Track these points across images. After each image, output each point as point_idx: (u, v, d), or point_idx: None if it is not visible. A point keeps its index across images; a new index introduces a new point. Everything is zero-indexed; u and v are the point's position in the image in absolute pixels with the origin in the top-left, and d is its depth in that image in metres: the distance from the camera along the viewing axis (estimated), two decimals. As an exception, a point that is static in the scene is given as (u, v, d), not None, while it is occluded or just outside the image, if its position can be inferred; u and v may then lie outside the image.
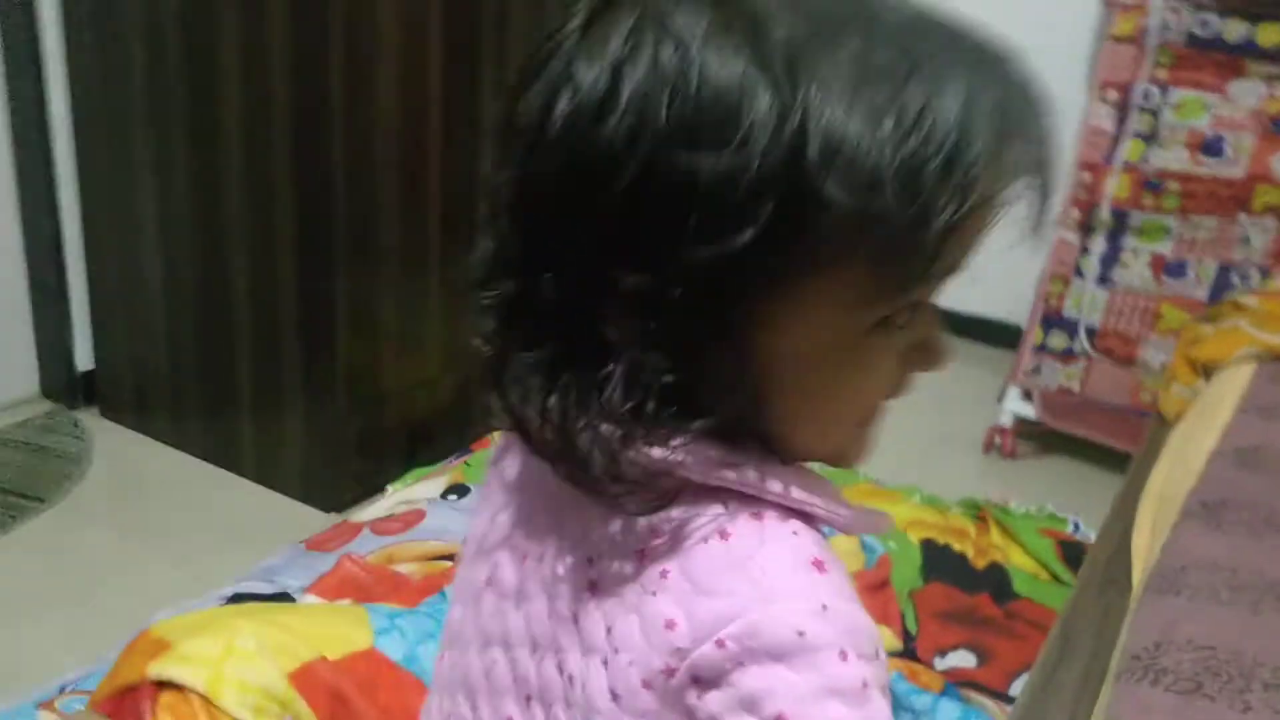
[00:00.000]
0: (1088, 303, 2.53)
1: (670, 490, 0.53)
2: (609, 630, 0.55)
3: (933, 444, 2.65)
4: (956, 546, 1.98)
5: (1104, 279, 2.51)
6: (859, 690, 0.50)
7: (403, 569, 1.65)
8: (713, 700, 0.50)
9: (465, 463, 1.99)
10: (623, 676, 0.53)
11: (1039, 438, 2.68)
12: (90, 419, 2.36)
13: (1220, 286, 2.38)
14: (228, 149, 2.01)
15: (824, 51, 0.47)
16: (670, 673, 0.52)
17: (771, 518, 0.54)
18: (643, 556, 0.54)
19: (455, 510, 1.85)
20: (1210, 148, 2.38)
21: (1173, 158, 2.40)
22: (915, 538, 2.02)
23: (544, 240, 0.52)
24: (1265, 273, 2.38)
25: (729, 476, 0.53)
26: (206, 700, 1.10)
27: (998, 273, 2.66)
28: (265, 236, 2.03)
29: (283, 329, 2.08)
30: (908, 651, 1.70)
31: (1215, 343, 1.59)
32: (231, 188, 2.03)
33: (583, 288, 0.50)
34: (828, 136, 0.46)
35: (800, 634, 0.49)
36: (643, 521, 0.54)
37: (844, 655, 0.50)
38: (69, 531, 1.99)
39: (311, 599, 1.47)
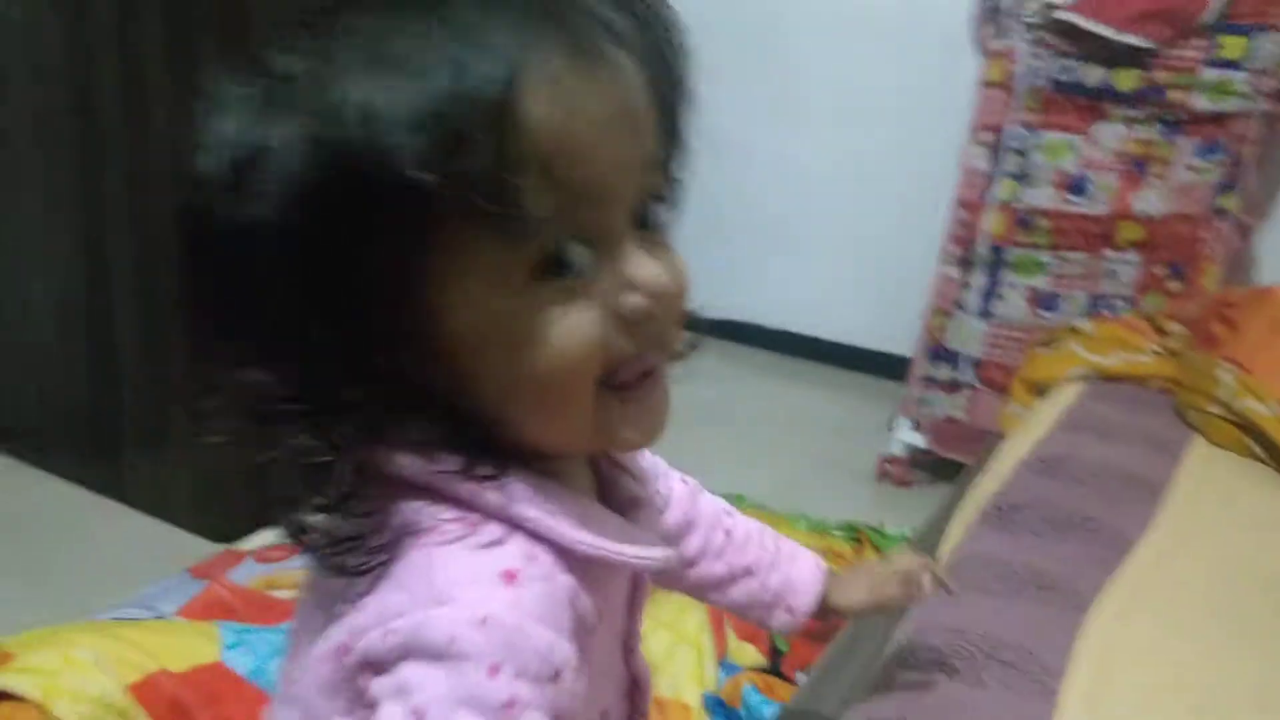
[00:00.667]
0: (969, 335, 2.63)
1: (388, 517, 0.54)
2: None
3: (827, 473, 2.73)
4: (834, 568, 2.05)
5: (984, 312, 2.62)
6: (501, 707, 0.49)
7: (282, 594, 1.69)
8: (376, 684, 0.52)
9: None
10: (319, 649, 0.55)
11: (929, 467, 2.77)
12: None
13: (1091, 318, 2.50)
14: (114, 180, 2.06)
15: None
16: (346, 651, 0.53)
17: (480, 527, 0.53)
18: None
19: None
20: (1076, 187, 2.50)
21: (1043, 196, 2.52)
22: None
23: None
24: (1132, 303, 2.50)
25: (440, 484, 0.54)
26: (42, 710, 1.14)
27: (886, 307, 2.76)
28: (148, 259, 2.07)
29: (169, 367, 2.10)
30: (773, 669, 1.76)
31: (1048, 364, 1.69)
32: (114, 219, 2.08)
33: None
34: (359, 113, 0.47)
35: (451, 640, 0.50)
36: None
37: (494, 670, 0.50)
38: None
39: (180, 621, 1.51)
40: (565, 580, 0.54)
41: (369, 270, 0.50)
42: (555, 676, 0.51)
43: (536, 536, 0.54)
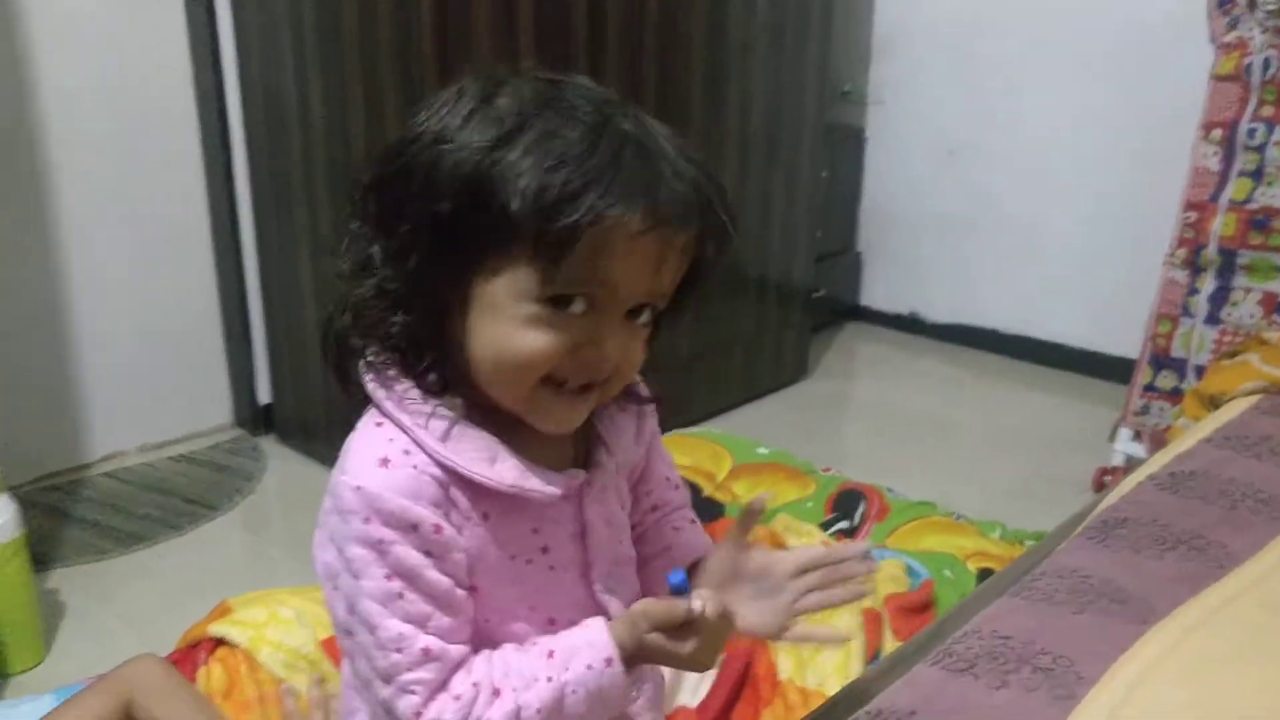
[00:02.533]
0: (1196, 342, 2.48)
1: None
2: None
3: (1042, 482, 2.66)
4: (1007, 575, 2.03)
5: (1213, 318, 2.46)
6: (377, 542, 0.74)
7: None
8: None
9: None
10: None
11: (1153, 479, 2.63)
12: (268, 444, 2.80)
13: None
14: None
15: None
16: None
17: (383, 426, 0.78)
18: None
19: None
20: (1316, 182, 2.31)
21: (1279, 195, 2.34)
22: (974, 567, 2.09)
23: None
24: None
25: (376, 394, 0.78)
26: (248, 655, 1.39)
27: (1114, 309, 2.74)
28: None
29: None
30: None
31: (1223, 377, 1.61)
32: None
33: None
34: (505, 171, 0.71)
35: (337, 497, 0.76)
36: None
37: (368, 519, 0.74)
38: (232, 535, 2.39)
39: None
40: (434, 474, 0.76)
41: (461, 247, 0.73)
42: (413, 528, 0.75)
43: (419, 445, 0.76)
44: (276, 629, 1.42)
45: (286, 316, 2.70)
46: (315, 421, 2.71)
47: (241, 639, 1.40)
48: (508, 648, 0.79)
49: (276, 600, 1.48)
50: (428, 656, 0.75)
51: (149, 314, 2.67)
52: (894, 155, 3.61)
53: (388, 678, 0.75)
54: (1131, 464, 2.62)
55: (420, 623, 0.75)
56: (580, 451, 0.85)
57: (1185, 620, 1.02)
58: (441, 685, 0.75)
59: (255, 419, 2.83)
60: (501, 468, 0.77)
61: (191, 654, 1.42)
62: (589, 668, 0.77)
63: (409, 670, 0.75)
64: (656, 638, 0.77)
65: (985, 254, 3.46)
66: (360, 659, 0.78)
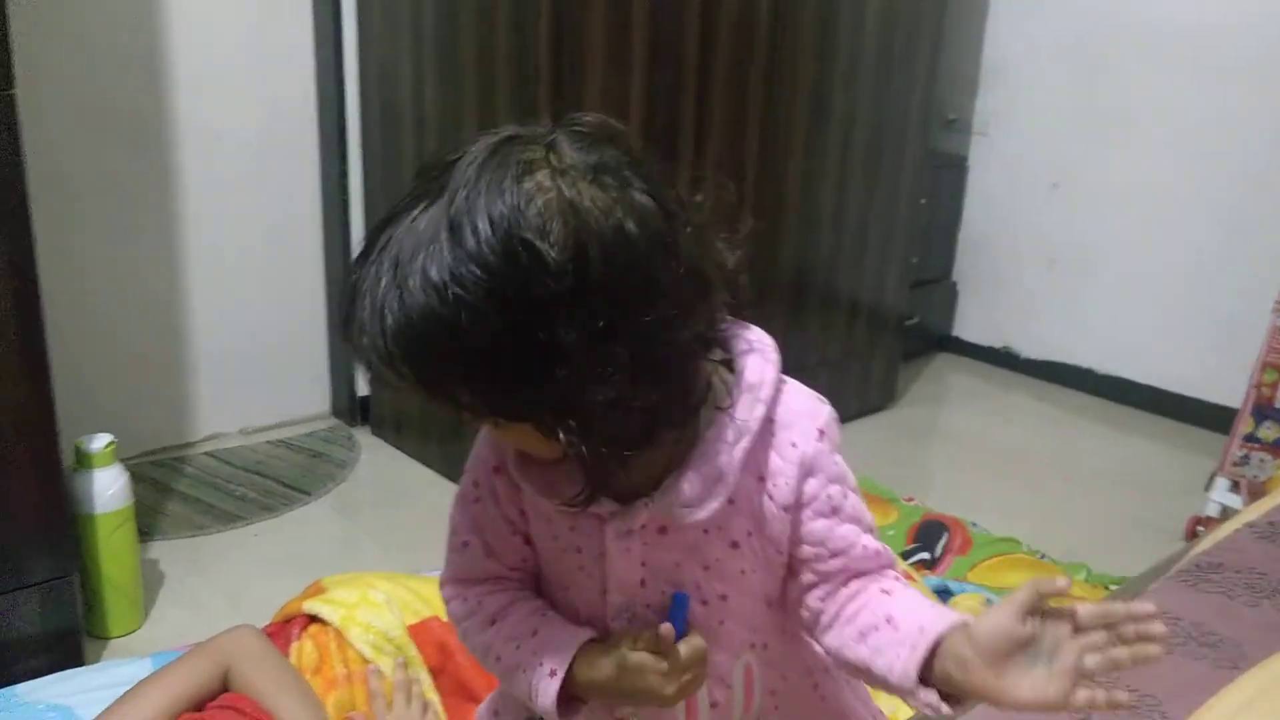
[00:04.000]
0: (1303, 392, 2.41)
1: None
2: None
3: (1132, 527, 2.60)
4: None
5: (1322, 369, 2.39)
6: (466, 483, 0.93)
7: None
8: None
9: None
10: None
11: (1249, 531, 2.55)
12: (363, 435, 2.88)
13: None
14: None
15: None
16: None
17: None
18: None
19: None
20: None
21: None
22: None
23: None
24: None
25: None
26: (339, 633, 1.45)
27: (1217, 354, 2.68)
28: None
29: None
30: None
31: (1329, 428, 1.57)
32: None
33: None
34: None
35: None
36: None
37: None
38: (324, 520, 2.48)
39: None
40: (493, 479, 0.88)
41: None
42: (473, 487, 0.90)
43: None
44: (366, 611, 1.47)
45: (387, 313, 2.78)
46: (409, 417, 2.78)
47: (333, 617, 1.45)
48: (530, 603, 0.90)
49: (368, 583, 1.54)
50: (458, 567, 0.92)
51: (257, 303, 2.77)
52: (996, 185, 3.57)
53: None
54: (1226, 515, 2.55)
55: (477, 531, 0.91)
56: (650, 485, 0.82)
57: (1277, 669, 1.00)
58: (472, 584, 0.92)
59: (351, 410, 2.92)
60: (525, 468, 0.84)
61: (285, 628, 1.48)
62: (540, 664, 0.84)
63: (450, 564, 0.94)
64: (643, 656, 0.82)
65: (1085, 291, 3.40)
66: None
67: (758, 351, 0.83)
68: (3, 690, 1.59)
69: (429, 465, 2.72)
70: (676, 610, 0.83)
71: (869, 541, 0.86)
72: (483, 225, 0.67)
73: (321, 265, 2.85)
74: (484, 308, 0.67)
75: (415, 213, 0.71)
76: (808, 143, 2.77)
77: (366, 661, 1.42)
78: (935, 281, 3.67)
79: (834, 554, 0.85)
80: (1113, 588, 2.17)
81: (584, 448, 0.73)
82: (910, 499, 2.51)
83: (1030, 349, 3.56)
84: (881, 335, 3.17)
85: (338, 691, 1.39)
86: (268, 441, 2.81)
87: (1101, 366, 3.40)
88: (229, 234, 2.68)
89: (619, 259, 0.69)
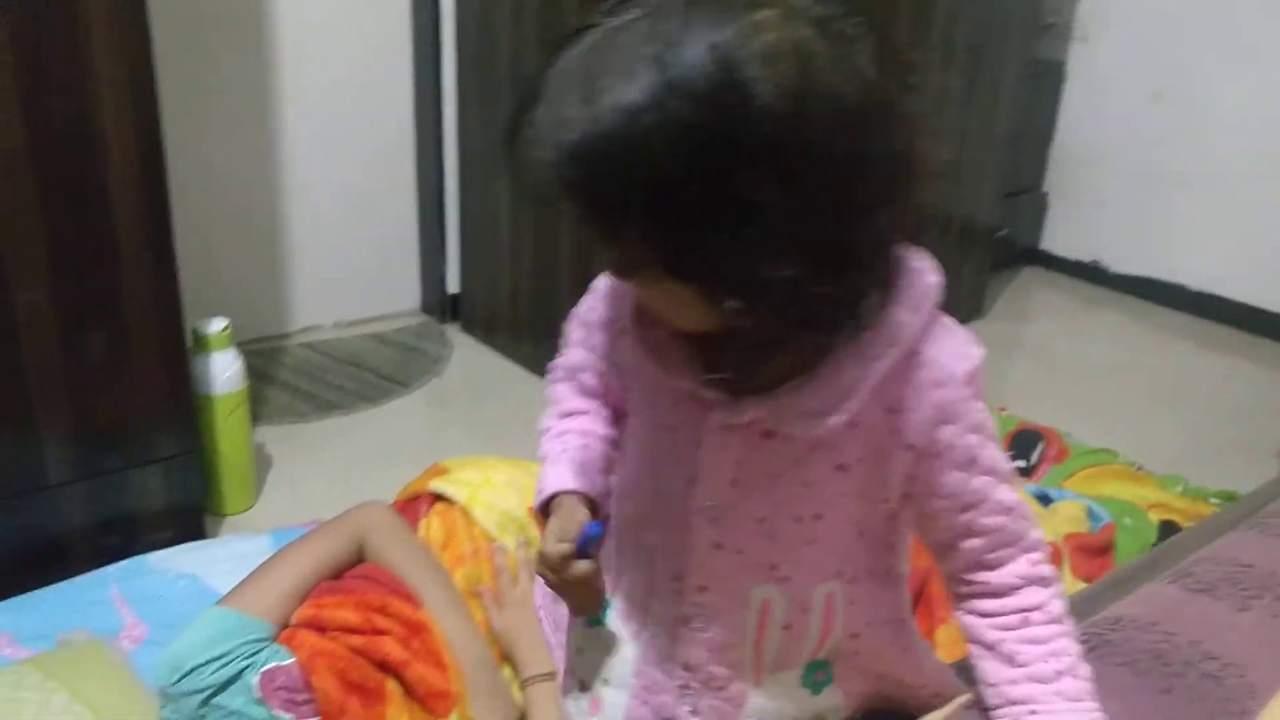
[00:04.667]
0: None
1: None
2: None
3: (1223, 447, 2.57)
4: (1192, 528, 2.00)
5: None
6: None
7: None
8: None
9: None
10: None
11: (1350, 453, 2.52)
12: (453, 332, 2.92)
13: None
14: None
15: None
16: None
17: None
18: None
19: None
20: None
21: None
22: (1156, 519, 2.05)
23: None
24: None
25: None
26: (465, 512, 1.48)
27: None
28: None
29: (594, 267, 2.46)
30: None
31: None
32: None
33: None
34: None
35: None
36: None
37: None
38: (421, 411, 2.53)
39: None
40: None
41: None
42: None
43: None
44: (489, 491, 1.51)
45: (482, 212, 2.79)
46: (499, 315, 2.81)
47: (459, 496, 1.49)
48: (593, 415, 0.97)
49: (489, 466, 1.57)
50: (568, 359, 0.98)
51: (353, 198, 2.80)
52: (1094, 94, 3.47)
53: None
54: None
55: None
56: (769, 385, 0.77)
57: None
58: (564, 378, 1.00)
59: (442, 306, 2.96)
60: (644, 334, 0.81)
61: (412, 506, 1.52)
62: (545, 478, 0.94)
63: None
64: (555, 546, 0.85)
65: (1181, 206, 3.31)
66: None
67: (919, 275, 0.75)
68: (134, 559, 1.66)
69: (519, 363, 2.75)
70: (588, 538, 0.84)
71: (1004, 495, 0.80)
72: (697, 51, 0.59)
73: (414, 161, 2.86)
74: (682, 142, 0.60)
75: (615, 24, 0.64)
76: (909, 45, 2.69)
77: (491, 539, 1.46)
78: (1025, 193, 3.59)
79: (965, 508, 0.80)
80: (1213, 500, 2.16)
81: (750, 323, 0.68)
82: (1002, 409, 2.50)
83: (1121, 264, 3.49)
84: (971, 247, 3.13)
85: (465, 566, 1.43)
86: (361, 335, 2.85)
87: (1194, 283, 3.33)
88: (329, 127, 2.69)
89: (838, 121, 0.62)
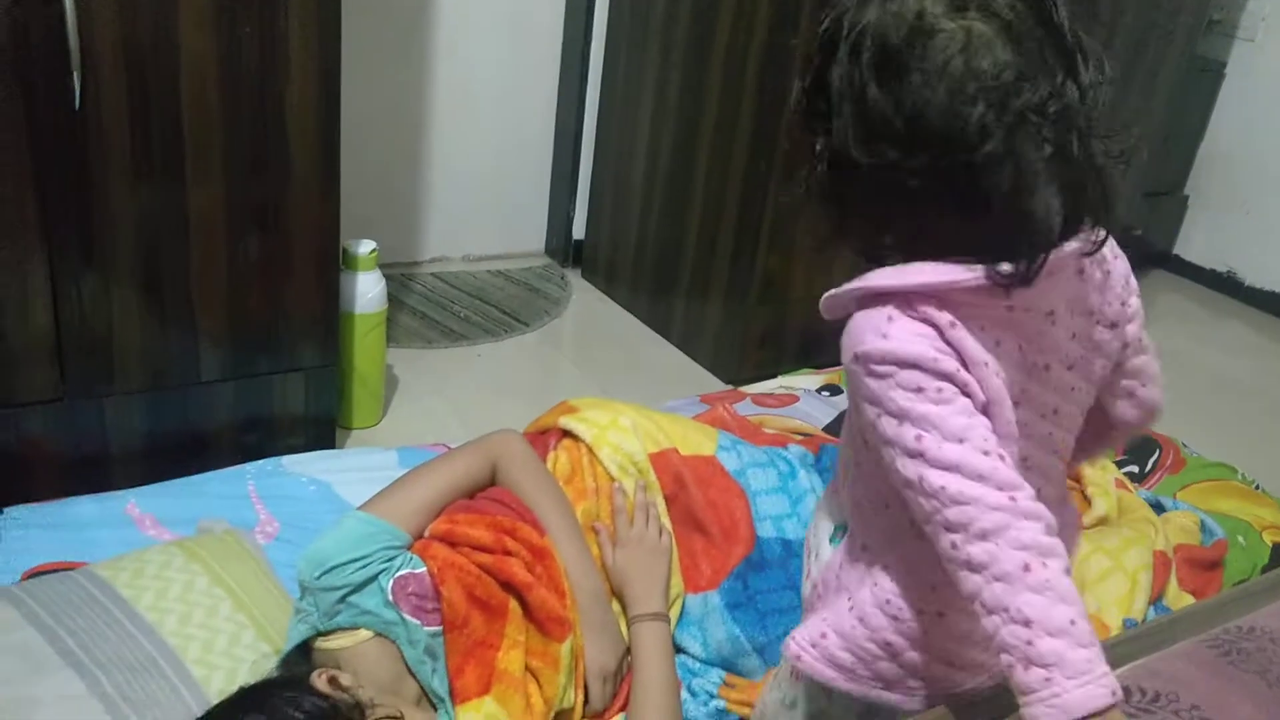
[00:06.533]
0: None
1: None
2: None
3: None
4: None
5: None
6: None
7: (768, 430, 2.00)
8: None
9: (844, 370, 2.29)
10: None
11: None
12: (573, 277, 2.98)
13: None
14: (711, 71, 2.45)
15: None
16: None
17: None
18: None
19: (824, 403, 2.17)
20: None
21: None
22: (1270, 540, 2.02)
23: None
24: None
25: None
26: (590, 450, 1.54)
27: None
28: (724, 151, 2.45)
29: (722, 230, 2.50)
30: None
31: None
32: (709, 105, 2.48)
33: None
34: None
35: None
36: None
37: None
38: (539, 350, 2.60)
39: (692, 421, 1.88)
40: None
41: None
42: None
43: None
44: (615, 433, 1.56)
45: (616, 163, 2.83)
46: (621, 264, 2.86)
47: (587, 435, 1.54)
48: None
49: (616, 409, 1.62)
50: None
51: (491, 139, 2.87)
52: (1253, 98, 3.34)
53: None
54: None
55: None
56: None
57: None
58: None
59: (565, 251, 3.02)
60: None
61: (542, 439, 1.59)
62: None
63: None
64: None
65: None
66: None
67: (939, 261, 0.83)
68: (270, 460, 1.76)
69: (635, 314, 2.80)
70: None
71: (904, 468, 0.82)
72: None
73: (554, 107, 2.91)
74: None
75: None
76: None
77: (612, 479, 1.51)
78: (1165, 194, 3.49)
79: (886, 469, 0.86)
80: None
81: None
82: (1119, 411, 2.46)
83: (1255, 277, 3.38)
84: (1104, 243, 3.06)
85: (586, 502, 1.49)
86: (487, 270, 2.93)
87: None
88: (476, 67, 2.76)
89: None
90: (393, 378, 2.33)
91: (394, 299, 2.68)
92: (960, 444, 0.79)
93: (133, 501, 1.59)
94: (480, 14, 2.71)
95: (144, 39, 1.56)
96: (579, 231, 3.01)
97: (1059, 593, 0.76)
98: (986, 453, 0.79)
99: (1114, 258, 0.92)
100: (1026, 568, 0.76)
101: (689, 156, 2.56)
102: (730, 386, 2.40)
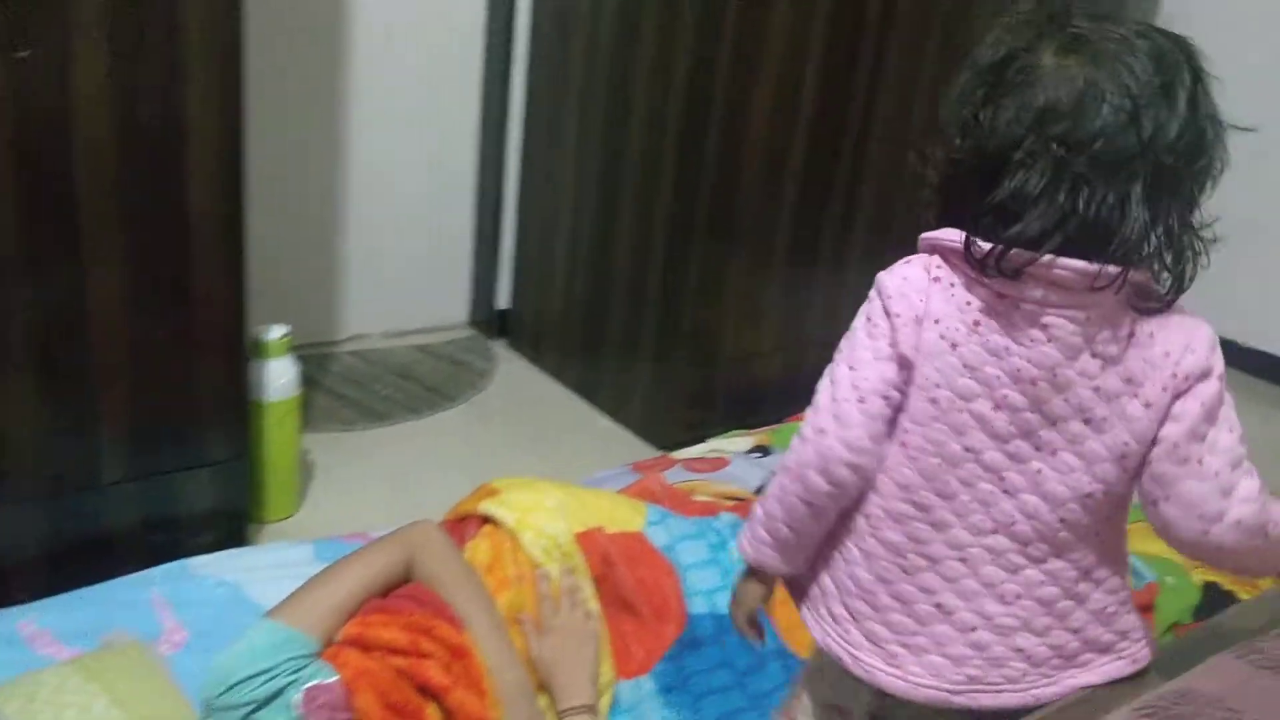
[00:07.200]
0: None
1: None
2: None
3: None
4: (1242, 595, 1.95)
5: None
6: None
7: (699, 498, 1.96)
8: None
9: (775, 430, 2.26)
10: None
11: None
12: (500, 348, 2.93)
13: None
14: (631, 133, 2.44)
15: None
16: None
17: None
18: None
19: (755, 465, 2.14)
20: None
21: None
22: (1199, 579, 2.01)
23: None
24: None
25: None
26: (513, 536, 1.48)
27: None
28: (647, 212, 2.44)
29: (648, 292, 2.48)
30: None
31: None
32: (630, 167, 2.46)
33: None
34: None
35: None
36: None
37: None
38: (464, 426, 2.54)
39: (620, 495, 1.83)
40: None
41: None
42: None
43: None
44: (540, 515, 1.50)
45: (539, 229, 2.80)
46: (548, 332, 2.82)
47: (508, 520, 1.49)
48: None
49: (540, 489, 1.57)
50: None
51: (408, 209, 2.82)
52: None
53: None
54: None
55: None
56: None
57: None
58: None
59: (490, 322, 2.97)
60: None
61: (460, 527, 1.53)
62: None
63: None
64: None
65: (1244, 266, 3.24)
66: None
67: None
68: (176, 563, 1.66)
69: (563, 382, 2.76)
70: None
71: None
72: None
73: (475, 177, 2.88)
74: None
75: None
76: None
77: (537, 565, 1.46)
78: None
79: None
80: None
81: None
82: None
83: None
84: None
85: (509, 592, 1.43)
86: (409, 346, 2.87)
87: (1245, 340, 3.26)
88: (390, 139, 2.72)
89: None
90: (310, 465, 2.25)
91: (311, 380, 2.61)
92: (850, 370, 0.96)
93: (26, 618, 1.49)
94: (395, 81, 2.67)
95: (34, 115, 1.50)
96: (504, 300, 2.96)
97: (776, 496, 1.02)
98: (857, 387, 0.95)
99: (1173, 339, 0.90)
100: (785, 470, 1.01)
101: (612, 219, 2.54)
102: (661, 452, 2.36)
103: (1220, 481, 0.89)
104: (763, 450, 2.19)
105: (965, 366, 0.91)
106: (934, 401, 0.93)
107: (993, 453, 0.93)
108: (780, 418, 2.28)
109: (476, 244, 2.94)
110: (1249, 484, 0.90)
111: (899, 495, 0.97)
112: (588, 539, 1.52)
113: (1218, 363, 0.90)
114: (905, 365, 0.93)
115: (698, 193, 2.33)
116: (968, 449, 0.93)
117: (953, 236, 0.90)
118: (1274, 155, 3.16)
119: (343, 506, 2.14)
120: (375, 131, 2.69)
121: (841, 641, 1.03)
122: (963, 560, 0.96)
